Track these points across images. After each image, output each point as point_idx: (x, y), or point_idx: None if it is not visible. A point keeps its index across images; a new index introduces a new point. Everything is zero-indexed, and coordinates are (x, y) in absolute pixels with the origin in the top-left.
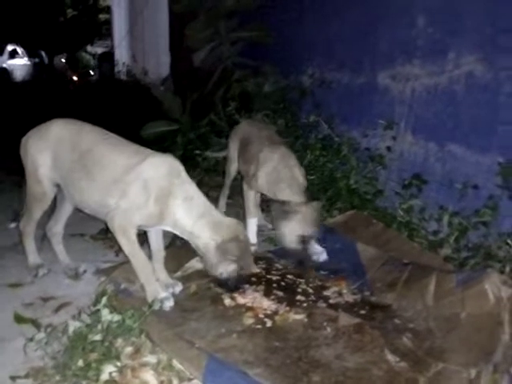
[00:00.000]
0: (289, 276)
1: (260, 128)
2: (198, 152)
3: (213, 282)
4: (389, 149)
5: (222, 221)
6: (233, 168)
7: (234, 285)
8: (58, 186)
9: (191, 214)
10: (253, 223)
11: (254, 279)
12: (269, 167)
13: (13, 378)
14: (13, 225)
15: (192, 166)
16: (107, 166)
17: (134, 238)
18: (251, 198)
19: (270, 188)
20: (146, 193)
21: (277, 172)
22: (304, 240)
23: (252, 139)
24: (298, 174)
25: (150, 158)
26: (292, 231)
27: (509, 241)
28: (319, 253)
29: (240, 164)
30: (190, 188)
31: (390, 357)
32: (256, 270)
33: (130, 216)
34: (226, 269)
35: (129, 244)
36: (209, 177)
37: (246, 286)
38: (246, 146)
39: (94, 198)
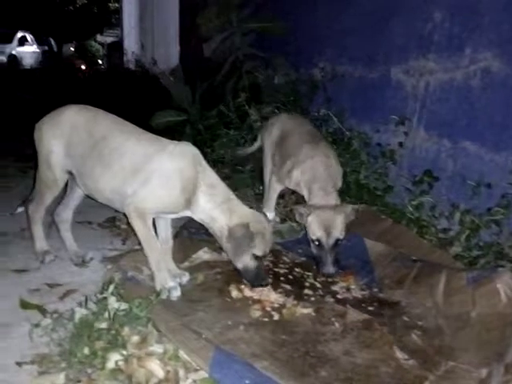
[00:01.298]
0: (296, 269)
1: (300, 122)
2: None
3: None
4: (401, 144)
5: (239, 207)
6: (271, 163)
7: (253, 279)
8: (70, 173)
9: (215, 200)
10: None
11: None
12: (306, 165)
13: (18, 364)
14: (20, 209)
15: None
16: (125, 154)
17: (150, 224)
18: (276, 192)
19: (303, 186)
20: (172, 182)
21: (313, 171)
22: (317, 245)
23: (292, 133)
24: (335, 175)
25: (172, 147)
26: (308, 233)
27: None
28: None
29: (274, 156)
30: (212, 175)
31: (399, 354)
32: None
33: (152, 203)
34: (243, 260)
35: (144, 230)
36: (217, 168)
37: (269, 283)
38: (285, 140)
39: (110, 185)
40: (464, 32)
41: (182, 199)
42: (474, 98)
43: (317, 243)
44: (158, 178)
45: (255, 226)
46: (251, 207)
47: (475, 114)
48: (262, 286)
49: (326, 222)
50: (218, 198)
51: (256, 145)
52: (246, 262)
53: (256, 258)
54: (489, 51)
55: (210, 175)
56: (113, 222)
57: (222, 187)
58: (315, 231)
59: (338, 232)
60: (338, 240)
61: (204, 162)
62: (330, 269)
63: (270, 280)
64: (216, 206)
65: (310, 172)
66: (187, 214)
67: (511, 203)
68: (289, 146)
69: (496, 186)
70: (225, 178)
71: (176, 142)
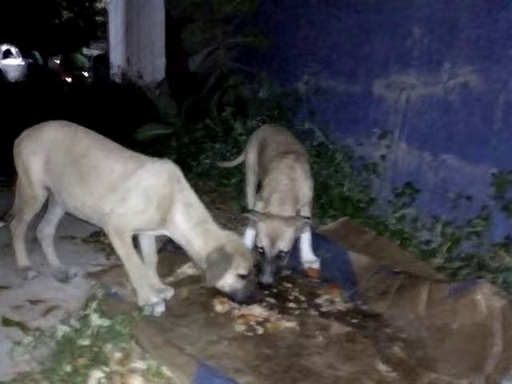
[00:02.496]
0: (280, 283)
1: (279, 133)
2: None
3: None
4: (383, 157)
5: (213, 231)
6: (252, 175)
7: (243, 298)
8: (49, 189)
9: (190, 220)
10: (249, 235)
11: None
12: (272, 177)
13: None
14: (0, 224)
15: (185, 170)
16: (103, 171)
17: (129, 240)
18: (257, 209)
19: (267, 197)
20: (147, 200)
21: (276, 182)
22: (260, 253)
23: (268, 145)
24: (299, 187)
25: (150, 164)
26: (257, 241)
27: (501, 252)
28: (312, 261)
29: (259, 171)
30: (190, 195)
31: (382, 366)
32: (244, 271)
33: (128, 220)
34: (226, 281)
35: (124, 247)
36: (202, 181)
37: (260, 298)
38: (263, 152)
39: (88, 203)
40: (443, 47)
41: (158, 216)
42: (453, 112)
43: (260, 251)
44: (134, 196)
45: (231, 247)
46: (234, 220)
47: (455, 127)
48: (254, 303)
49: (273, 232)
50: (194, 219)
51: (239, 159)
52: (231, 284)
53: (242, 277)
54: (467, 66)
55: (187, 194)
56: (96, 237)
57: (198, 207)
58: (261, 239)
59: (283, 244)
60: (281, 252)
61: (183, 181)
62: (267, 279)
63: (261, 296)
64: (191, 228)
65: (273, 183)
66: (164, 232)
67: (491, 215)
68: (266, 159)
69: (476, 198)
70: (211, 191)
71: (156, 159)
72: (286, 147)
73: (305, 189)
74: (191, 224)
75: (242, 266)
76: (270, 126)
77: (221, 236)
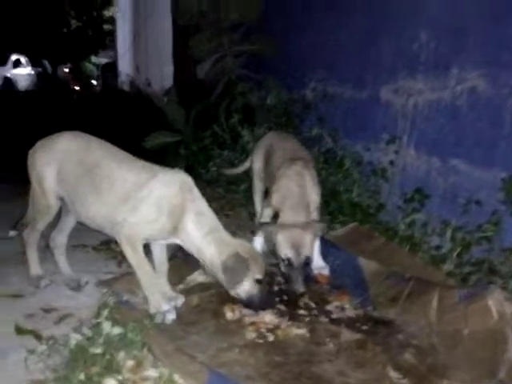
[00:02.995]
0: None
1: (285, 140)
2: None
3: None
4: (391, 163)
5: (226, 239)
6: (259, 182)
7: (259, 303)
8: (62, 199)
9: (201, 229)
10: (258, 242)
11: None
12: (281, 184)
13: None
14: (12, 233)
15: (194, 177)
16: (116, 181)
17: (140, 249)
18: (265, 216)
19: (277, 206)
20: (159, 209)
21: (286, 190)
22: (287, 264)
23: (275, 153)
24: (309, 194)
25: (161, 175)
26: (277, 252)
27: None
28: (322, 268)
29: (265, 179)
30: (201, 204)
31: (393, 373)
32: (260, 275)
33: (140, 229)
34: (243, 288)
35: (135, 255)
36: (210, 188)
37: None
38: (270, 160)
39: (100, 213)
40: (450, 52)
41: (169, 225)
42: (461, 116)
43: (287, 262)
44: (146, 205)
45: (245, 252)
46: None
47: (463, 132)
48: (269, 308)
49: (295, 241)
50: (205, 227)
51: (245, 165)
52: (248, 289)
53: (258, 282)
54: (475, 71)
55: (198, 204)
56: (107, 245)
57: (210, 216)
58: (285, 250)
59: (308, 250)
60: (307, 258)
61: (195, 190)
62: (300, 288)
63: (275, 302)
64: (203, 236)
65: (283, 190)
66: (176, 241)
67: (501, 220)
68: (272, 166)
69: (486, 202)
70: (219, 198)
71: (168, 169)
72: (293, 154)
73: (313, 195)
74: (203, 232)
75: (257, 271)
76: (276, 133)
77: (233, 243)
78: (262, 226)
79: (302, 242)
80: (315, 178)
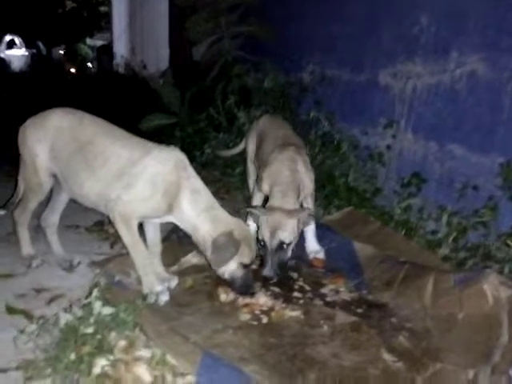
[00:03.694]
0: (286, 272)
1: (278, 125)
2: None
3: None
4: (388, 147)
5: (222, 217)
6: (253, 166)
7: (242, 288)
8: (54, 176)
9: (197, 206)
10: (252, 227)
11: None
12: (272, 169)
13: (3, 371)
14: (1, 212)
15: (189, 160)
16: (110, 158)
17: (135, 228)
18: (258, 200)
19: (268, 190)
20: (154, 187)
21: (277, 174)
22: (262, 245)
23: (267, 137)
24: (300, 179)
25: (156, 152)
26: (259, 234)
27: (508, 241)
28: (317, 251)
29: (256, 162)
30: (196, 181)
31: (387, 356)
32: (248, 261)
33: (135, 207)
34: (228, 268)
35: (129, 234)
36: (206, 171)
37: (259, 290)
38: (262, 144)
39: (94, 190)
40: (450, 36)
41: (164, 203)
42: (460, 101)
43: (262, 243)
44: (140, 182)
45: (239, 234)
46: (237, 213)
47: (462, 116)
48: (250, 294)
49: (274, 224)
50: (201, 205)
51: (240, 147)
52: (232, 271)
53: (244, 266)
54: (474, 55)
55: (194, 181)
56: (101, 226)
57: (205, 194)
58: (262, 232)
59: (284, 234)
60: (282, 243)
61: (190, 168)
62: (268, 272)
63: (257, 288)
64: (198, 214)
65: (274, 175)
66: (171, 219)
67: (498, 205)
68: (263, 151)
69: (483, 187)
70: (215, 181)
71: (162, 146)
72: (285, 140)
73: (306, 181)
74: (198, 210)
75: (246, 255)
76: (269, 118)
77: (229, 222)
78: (250, 209)
79: (281, 226)
80: (308, 164)
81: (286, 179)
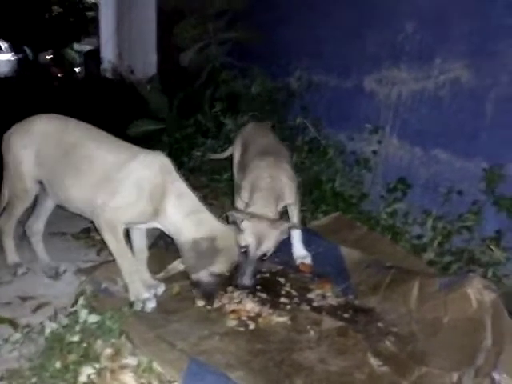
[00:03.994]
0: (273, 278)
1: (262, 134)
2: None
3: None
4: (374, 152)
5: (208, 220)
6: (237, 174)
7: (204, 294)
8: (40, 183)
9: (182, 210)
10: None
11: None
12: (252, 175)
13: None
14: None
15: (178, 166)
16: (95, 162)
17: (121, 235)
18: (241, 206)
19: (247, 196)
20: (139, 191)
21: (257, 181)
22: (243, 252)
23: (251, 145)
24: (281, 187)
25: (141, 156)
26: (242, 240)
27: (491, 246)
28: (304, 257)
29: (239, 170)
30: (182, 185)
31: (373, 360)
32: (226, 274)
33: (120, 213)
34: (199, 274)
35: (116, 241)
36: (194, 176)
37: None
38: (245, 153)
39: (80, 195)
40: (434, 43)
41: (150, 208)
42: (444, 107)
43: (243, 250)
44: (126, 187)
45: (222, 242)
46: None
47: (446, 122)
48: (208, 303)
49: (259, 232)
50: (186, 209)
51: (227, 152)
52: (201, 277)
53: (213, 274)
54: (458, 62)
55: (179, 186)
56: (87, 233)
57: (191, 198)
58: (246, 238)
59: (268, 246)
60: (264, 255)
61: (174, 173)
62: (247, 281)
63: (215, 304)
64: (183, 217)
65: (255, 182)
66: (156, 224)
67: (482, 210)
68: (246, 159)
69: (467, 192)
70: (202, 186)
71: (148, 150)
72: (267, 148)
73: (286, 190)
74: (183, 214)
75: (221, 266)
76: (254, 126)
77: (215, 227)
78: (233, 212)
79: (266, 236)
80: (289, 173)
81: (266, 186)
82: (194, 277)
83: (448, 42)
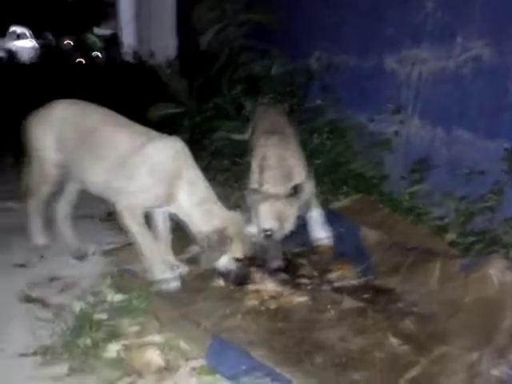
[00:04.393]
0: (294, 259)
1: (272, 115)
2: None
3: (218, 274)
4: (396, 133)
5: (217, 211)
6: None
7: (235, 279)
8: (62, 167)
9: (193, 198)
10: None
11: (259, 262)
12: (259, 156)
13: (22, 356)
14: (12, 204)
15: (199, 149)
16: (112, 146)
17: (140, 219)
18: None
19: (259, 178)
20: (154, 175)
21: (265, 160)
22: (268, 235)
23: (259, 126)
24: (289, 166)
25: (156, 141)
26: (258, 222)
27: None
28: (325, 238)
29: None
30: (195, 173)
31: (393, 340)
32: (240, 255)
33: (137, 198)
34: (222, 262)
35: (135, 225)
36: (216, 160)
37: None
38: (253, 133)
39: (99, 179)
40: (455, 21)
41: (163, 192)
42: (466, 86)
43: (268, 233)
44: (141, 172)
45: (232, 230)
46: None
47: (468, 102)
48: (243, 284)
49: (279, 213)
50: (196, 198)
51: (246, 134)
52: (225, 265)
53: (237, 259)
54: (480, 40)
55: (192, 173)
56: (114, 216)
57: (202, 186)
58: (267, 221)
59: (291, 225)
60: (289, 232)
61: (190, 159)
62: (278, 263)
63: (251, 280)
64: (193, 206)
65: (262, 162)
66: (170, 210)
67: (504, 190)
68: (254, 138)
69: (489, 172)
70: (224, 169)
71: (165, 135)
72: (274, 128)
73: (297, 168)
74: (193, 202)
75: (238, 251)
76: (264, 107)
77: (224, 217)
78: (246, 192)
79: (287, 216)
80: (297, 152)
81: (274, 165)
82: (220, 266)
83: (469, 21)
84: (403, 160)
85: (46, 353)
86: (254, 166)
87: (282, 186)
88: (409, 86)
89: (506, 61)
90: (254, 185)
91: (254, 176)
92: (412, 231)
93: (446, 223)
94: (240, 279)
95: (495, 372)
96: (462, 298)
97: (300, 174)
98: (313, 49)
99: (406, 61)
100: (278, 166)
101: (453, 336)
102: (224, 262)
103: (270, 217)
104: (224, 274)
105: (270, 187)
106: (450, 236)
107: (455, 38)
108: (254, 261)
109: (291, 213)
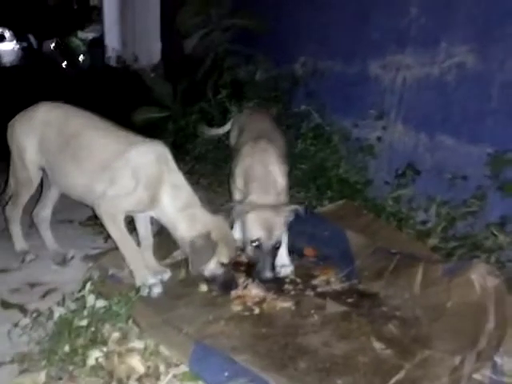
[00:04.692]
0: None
1: (258, 119)
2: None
3: (204, 279)
4: (379, 139)
5: (200, 216)
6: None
7: (222, 284)
8: (43, 170)
9: (176, 203)
10: (237, 228)
11: (242, 268)
12: (245, 163)
13: None
14: None
15: (182, 153)
16: (94, 150)
17: (122, 224)
18: (237, 196)
19: (243, 185)
20: (135, 180)
21: (251, 169)
22: (256, 246)
23: (245, 131)
24: (275, 174)
25: (139, 145)
26: (246, 234)
27: (495, 231)
28: (285, 266)
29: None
30: (178, 176)
31: (376, 344)
32: (226, 260)
33: (118, 202)
34: (207, 267)
35: (117, 230)
36: (199, 165)
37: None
38: (239, 138)
39: (80, 182)
40: (439, 27)
41: (146, 197)
42: (449, 92)
43: (255, 244)
44: (124, 176)
45: (217, 234)
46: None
47: (451, 107)
48: (230, 290)
49: (266, 223)
50: (180, 202)
51: (225, 128)
52: (212, 270)
53: (222, 264)
54: (463, 45)
55: (175, 176)
56: (94, 221)
57: (186, 190)
58: (255, 231)
59: (278, 234)
60: (277, 242)
61: (172, 163)
62: (268, 273)
63: (237, 285)
64: (176, 211)
65: (248, 170)
66: (152, 214)
67: (486, 195)
68: (239, 143)
69: (472, 178)
70: (208, 174)
71: (147, 140)
72: (260, 134)
73: (279, 177)
74: (177, 207)
75: (224, 255)
76: (251, 111)
77: (207, 221)
78: (231, 205)
79: (274, 225)
80: (280, 159)
81: (261, 173)
82: (206, 272)
83: (453, 27)
84: (387, 165)
85: (23, 360)
86: (239, 171)
87: (268, 196)
88: (393, 92)
89: (489, 66)
90: (237, 195)
91: (239, 182)
92: (395, 237)
93: (429, 228)
94: (227, 284)
95: (478, 376)
96: (444, 303)
97: (281, 182)
98: (298, 54)
99: (390, 66)
100: (264, 175)
101: (436, 340)
102: (211, 267)
103: (258, 226)
104: (211, 280)
105: (256, 197)
106: (433, 241)
107: (439, 43)
108: (237, 266)
109: (279, 221)
